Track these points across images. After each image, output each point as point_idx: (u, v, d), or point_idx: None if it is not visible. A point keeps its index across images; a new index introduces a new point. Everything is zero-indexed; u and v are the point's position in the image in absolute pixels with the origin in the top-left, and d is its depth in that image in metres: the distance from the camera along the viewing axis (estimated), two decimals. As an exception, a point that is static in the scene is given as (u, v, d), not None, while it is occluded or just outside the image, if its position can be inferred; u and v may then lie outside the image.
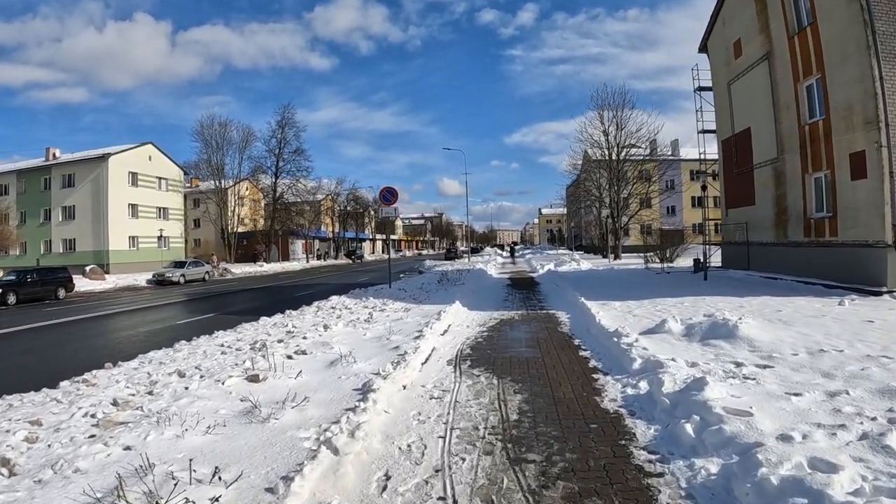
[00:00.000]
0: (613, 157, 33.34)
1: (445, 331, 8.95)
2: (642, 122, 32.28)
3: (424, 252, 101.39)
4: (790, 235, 17.68)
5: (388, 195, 14.81)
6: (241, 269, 38.55)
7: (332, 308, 11.03)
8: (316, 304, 11.81)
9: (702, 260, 22.87)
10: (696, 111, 24.72)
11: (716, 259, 23.14)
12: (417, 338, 7.66)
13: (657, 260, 28.63)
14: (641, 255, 34.28)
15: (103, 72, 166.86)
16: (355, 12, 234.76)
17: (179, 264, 31.63)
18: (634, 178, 33.66)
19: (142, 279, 31.66)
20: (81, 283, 29.87)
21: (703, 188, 17.36)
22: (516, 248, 76.63)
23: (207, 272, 32.55)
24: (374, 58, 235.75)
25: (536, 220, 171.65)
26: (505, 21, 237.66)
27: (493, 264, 32.42)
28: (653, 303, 11.00)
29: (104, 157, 43.52)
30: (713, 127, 25.08)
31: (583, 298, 11.22)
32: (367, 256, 69.42)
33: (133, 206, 45.03)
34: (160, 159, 48.17)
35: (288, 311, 10.57)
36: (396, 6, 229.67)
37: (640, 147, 34.02)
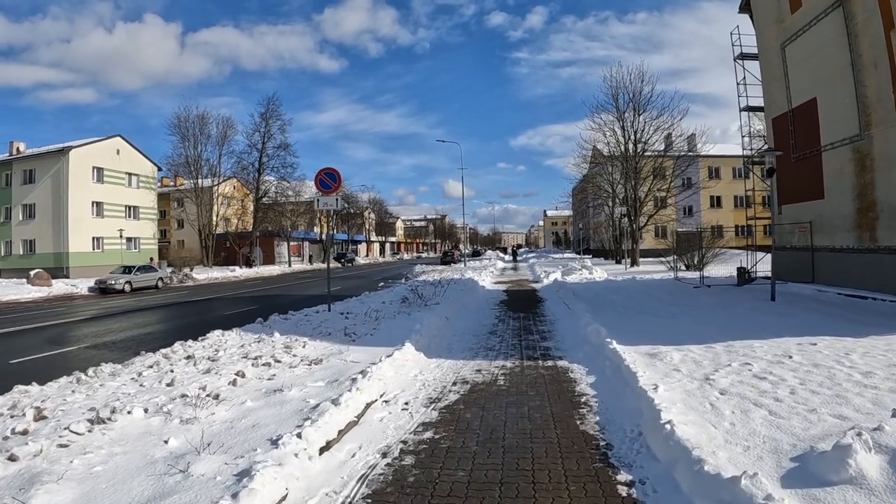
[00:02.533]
0: (630, 148, 28.74)
1: (350, 425, 4.47)
2: (663, 107, 27.69)
3: (425, 255, 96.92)
4: (881, 238, 13.10)
5: (328, 179, 10.41)
6: (207, 275, 34.23)
7: (187, 358, 6.54)
8: (178, 345, 7.31)
9: (748, 269, 18.33)
10: (738, 84, 20.19)
11: (762, 268, 18.56)
12: (244, 477, 3.20)
13: (683, 267, 24.08)
14: (662, 260, 29.72)
15: (112, 73, 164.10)
16: (365, 14, 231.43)
17: (127, 270, 27.33)
18: (653, 173, 29.02)
19: (85, 286, 27.44)
20: (18, 291, 25.85)
21: (770, 172, 12.77)
22: (519, 251, 72.13)
23: (161, 278, 28.24)
24: (381, 60, 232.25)
25: (541, 223, 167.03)
26: (514, 24, 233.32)
27: (490, 271, 27.90)
28: (732, 352, 6.46)
29: (64, 151, 39.55)
30: (754, 104, 20.60)
31: (614, 342, 6.70)
32: (361, 260, 65.00)
33: (98, 205, 40.95)
34: (130, 153, 44.06)
35: (53, 383, 5.92)
36: (406, 8, 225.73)
37: (650, 145, 29.40)
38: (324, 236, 57.45)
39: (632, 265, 27.52)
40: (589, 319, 8.74)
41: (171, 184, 60.47)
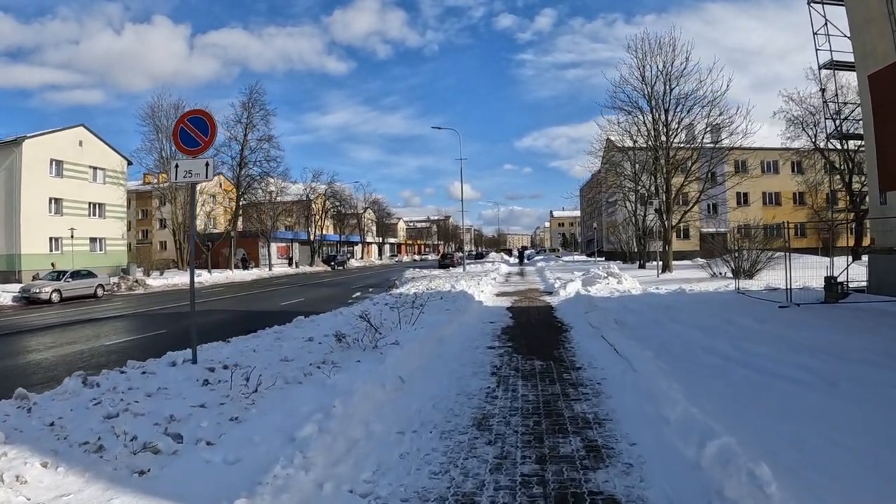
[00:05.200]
0: (662, 130, 24.04)
1: None
2: (700, 81, 22.86)
3: (429, 257, 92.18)
4: None
5: (194, 130, 5.85)
6: (165, 281, 29.71)
7: None
8: None
9: (836, 278, 13.61)
10: (815, 34, 15.53)
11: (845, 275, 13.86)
12: None
13: (729, 273, 19.38)
14: (699, 263, 25.03)
15: (120, 74, 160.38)
16: (374, 16, 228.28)
17: (57, 275, 22.88)
18: (687, 161, 24.27)
19: (10, 295, 23.04)
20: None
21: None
22: (526, 252, 67.33)
23: (101, 285, 23.78)
24: (388, 62, 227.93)
25: (548, 224, 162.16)
26: (522, 26, 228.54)
27: (492, 277, 23.26)
28: None
29: (17, 141, 35.24)
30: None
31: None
32: (355, 262, 60.31)
33: (56, 201, 36.65)
34: (94, 145, 39.73)
35: None
36: (415, 11, 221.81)
37: (685, 126, 24.54)
38: (312, 238, 52.89)
39: (663, 270, 22.78)
40: (685, 405, 4.07)
41: (155, 181, 56.20)
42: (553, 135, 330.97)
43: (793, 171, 46.11)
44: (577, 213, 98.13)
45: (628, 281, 16.78)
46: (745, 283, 16.87)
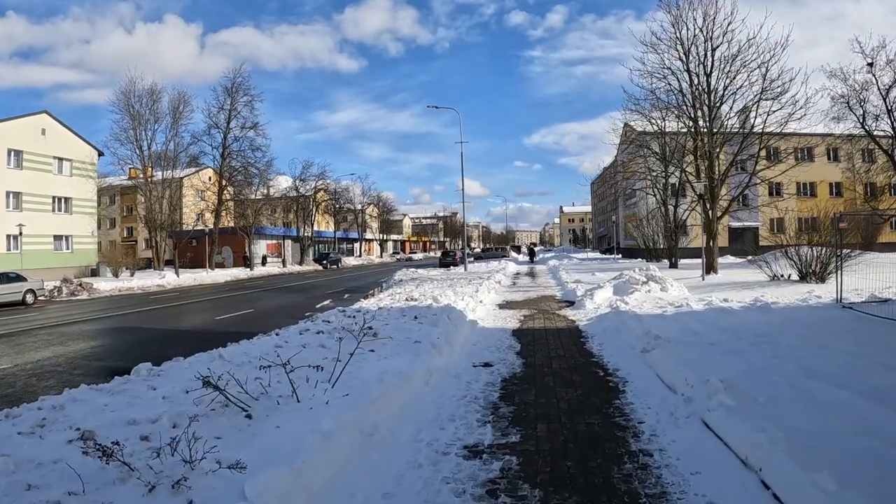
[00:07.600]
0: (705, 101, 19.84)
1: None
2: (749, 40, 18.55)
3: (432, 254, 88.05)
4: None
5: None
6: (119, 285, 25.89)
7: None
8: None
9: None
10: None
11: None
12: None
13: (796, 275, 15.26)
14: (750, 260, 20.94)
15: (131, 73, 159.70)
16: (385, 14, 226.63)
17: (-25, 279, 19.15)
18: (742, 133, 20.06)
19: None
20: None
21: None
22: (536, 249, 63.18)
23: (31, 290, 19.99)
24: (398, 59, 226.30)
25: (557, 220, 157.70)
26: (534, 23, 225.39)
27: (496, 280, 19.15)
28: None
29: (-31, 129, 31.72)
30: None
31: None
32: (352, 261, 56.32)
33: (15, 195, 33.07)
34: (59, 134, 36.08)
35: None
36: (426, 8, 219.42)
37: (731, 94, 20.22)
38: (302, 234, 48.96)
39: (708, 272, 18.55)
40: None
41: (142, 176, 52.56)
42: (562, 131, 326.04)
43: (829, 158, 41.76)
44: (588, 208, 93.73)
45: (674, 287, 12.65)
46: (819, 288, 12.78)
